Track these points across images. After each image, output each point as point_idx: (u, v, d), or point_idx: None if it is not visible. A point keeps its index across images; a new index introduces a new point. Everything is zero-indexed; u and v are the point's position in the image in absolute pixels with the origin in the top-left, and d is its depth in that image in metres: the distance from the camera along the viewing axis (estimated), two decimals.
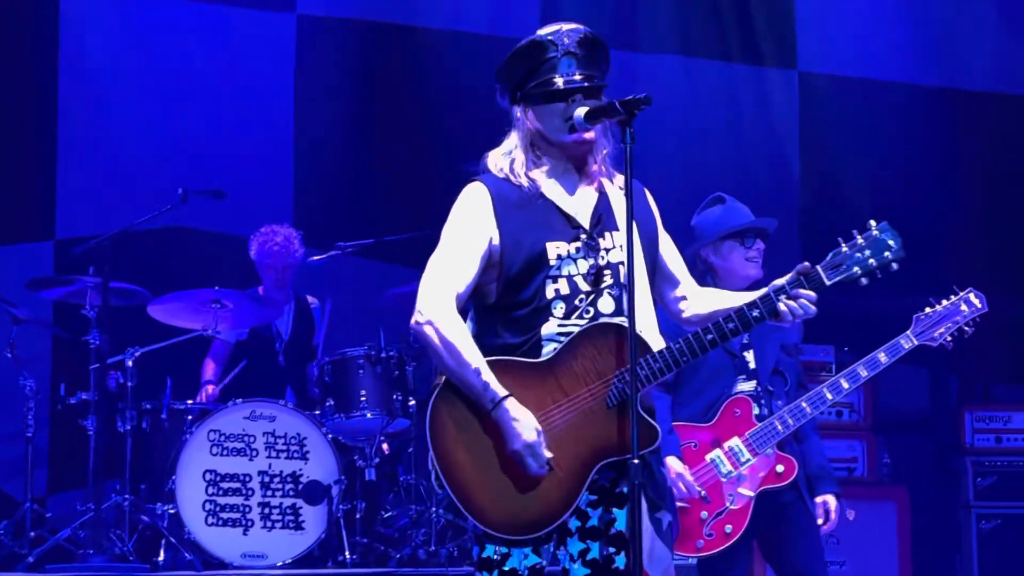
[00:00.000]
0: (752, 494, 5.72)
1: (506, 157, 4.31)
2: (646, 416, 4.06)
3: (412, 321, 4.14)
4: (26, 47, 9.20)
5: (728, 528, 5.69)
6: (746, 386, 5.82)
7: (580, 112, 4.16)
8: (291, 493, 7.46)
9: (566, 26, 4.37)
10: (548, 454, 4.00)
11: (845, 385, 5.75)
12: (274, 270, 8.37)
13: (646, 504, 4.03)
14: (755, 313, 4.15)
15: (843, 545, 7.90)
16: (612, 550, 4.09)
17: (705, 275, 5.88)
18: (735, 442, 5.75)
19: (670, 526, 4.15)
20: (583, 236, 4.21)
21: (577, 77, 4.26)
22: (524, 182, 4.25)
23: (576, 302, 4.14)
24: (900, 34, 10.24)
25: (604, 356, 4.07)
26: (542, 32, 4.36)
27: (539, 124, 4.27)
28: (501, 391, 4.02)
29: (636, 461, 3.87)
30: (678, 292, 4.42)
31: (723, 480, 5.75)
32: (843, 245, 4.19)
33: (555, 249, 4.17)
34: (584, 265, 4.17)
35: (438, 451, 4.05)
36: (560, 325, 4.12)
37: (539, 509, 4.01)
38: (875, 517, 8.11)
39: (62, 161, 9.12)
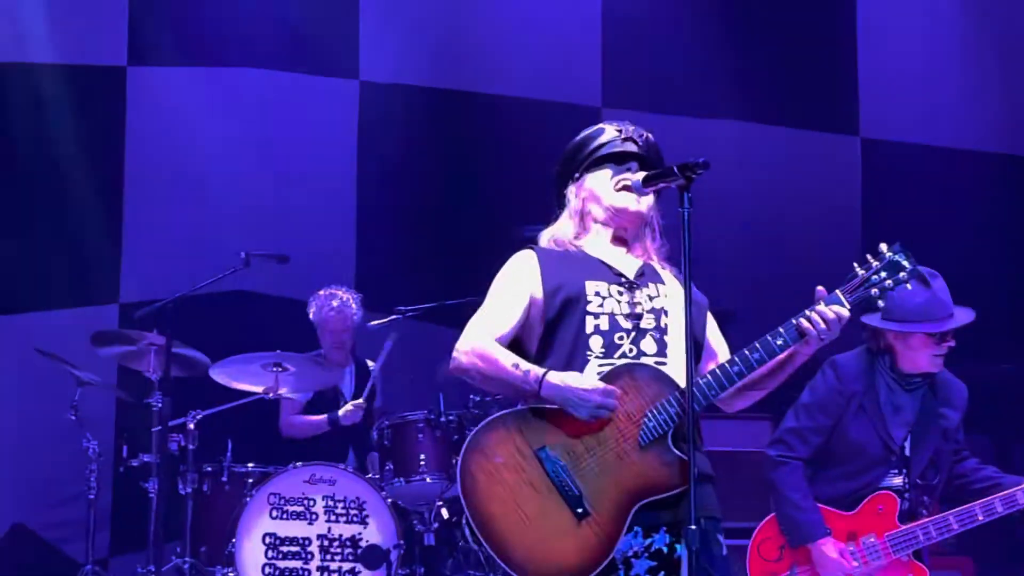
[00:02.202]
0: None
1: (555, 231, 4.42)
2: (681, 455, 4.01)
3: (451, 365, 4.22)
4: (94, 115, 9.33)
5: None
6: (896, 480, 5.72)
7: (638, 176, 4.21)
8: (350, 557, 7.44)
9: (630, 124, 4.50)
10: (610, 388, 4.02)
11: (999, 508, 5.63)
12: (332, 332, 8.41)
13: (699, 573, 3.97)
14: (779, 341, 4.11)
15: None
16: None
17: (878, 349, 5.78)
18: (872, 540, 5.65)
19: None
20: (624, 281, 4.26)
21: (634, 150, 4.38)
22: (570, 247, 4.35)
23: (616, 339, 4.16)
24: (963, 100, 10.20)
25: (632, 396, 4.06)
26: (606, 123, 4.51)
27: (593, 188, 4.35)
28: (540, 369, 4.07)
29: (693, 527, 3.82)
30: (713, 363, 4.34)
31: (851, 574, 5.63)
32: (858, 268, 4.17)
33: (594, 287, 4.22)
34: (625, 306, 4.21)
35: (471, 506, 4.04)
36: (600, 365, 4.13)
37: (579, 556, 3.98)
38: None
39: (128, 224, 9.23)
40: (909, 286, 4.18)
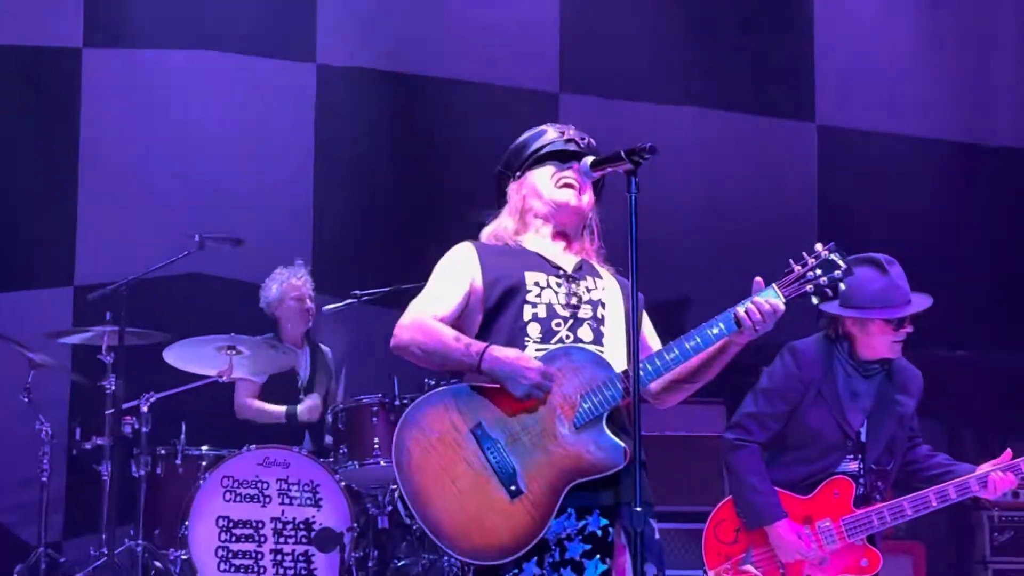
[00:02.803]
0: None
1: (495, 227, 4.48)
2: (616, 439, 4.08)
3: (392, 342, 4.25)
4: (48, 96, 9.29)
5: None
6: (851, 465, 5.78)
7: (586, 160, 4.24)
8: (303, 540, 7.45)
9: (573, 128, 4.54)
10: (549, 370, 4.07)
11: (952, 495, 5.69)
12: (293, 306, 8.41)
13: (631, 557, 4.01)
14: (714, 330, 4.15)
15: None
16: None
17: (836, 336, 5.84)
18: (827, 524, 5.71)
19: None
20: (563, 274, 4.32)
21: (576, 150, 4.43)
22: (510, 243, 4.41)
23: (553, 325, 4.21)
24: (919, 89, 10.26)
25: (569, 378, 4.10)
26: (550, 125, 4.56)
27: (534, 183, 4.43)
28: (482, 344, 4.11)
29: (638, 508, 3.86)
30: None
31: (807, 559, 5.69)
32: (794, 265, 4.23)
33: (533, 277, 4.28)
34: (563, 296, 4.26)
35: (405, 480, 4.07)
36: (538, 350, 4.17)
37: (510, 533, 4.01)
38: (892, 572, 8.02)
39: (83, 206, 9.18)
40: (843, 286, 4.21)
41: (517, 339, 4.19)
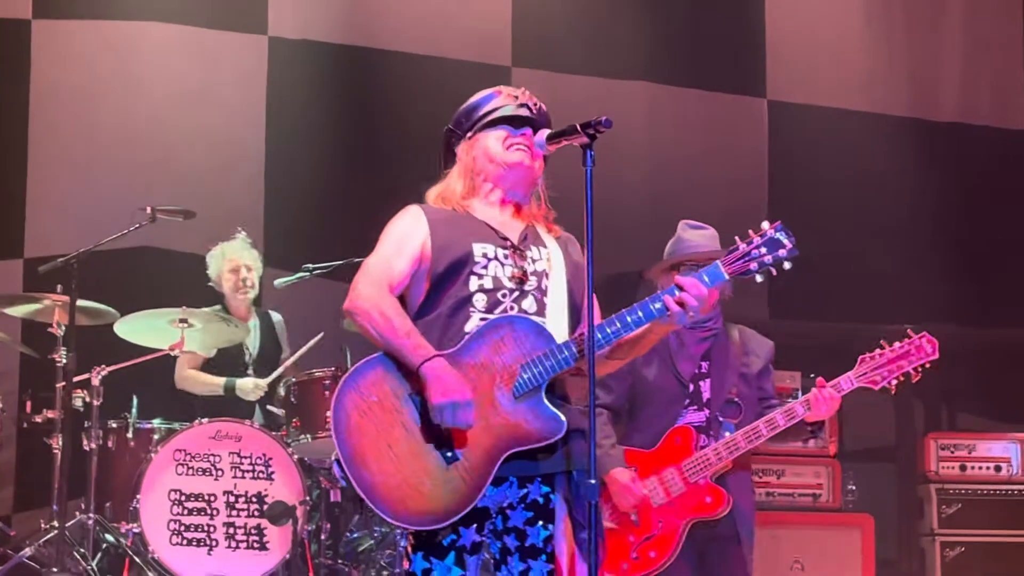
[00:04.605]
0: (680, 522, 5.82)
1: (443, 189, 4.47)
2: (553, 408, 4.10)
3: (344, 306, 4.23)
4: None
5: (652, 553, 5.82)
6: (696, 416, 5.95)
7: (542, 135, 4.25)
8: (256, 513, 7.45)
9: (527, 91, 4.53)
10: (467, 416, 4.04)
11: (780, 422, 5.82)
12: (227, 287, 8.39)
13: (571, 523, 4.12)
14: (656, 304, 4.14)
15: (808, 572, 7.93)
16: (552, 566, 4.13)
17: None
18: (670, 471, 5.87)
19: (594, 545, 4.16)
20: (509, 245, 4.32)
21: (529, 115, 4.43)
22: (456, 207, 4.40)
23: (499, 296, 4.22)
24: (869, 65, 10.32)
25: (510, 348, 4.12)
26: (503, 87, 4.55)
27: (486, 146, 4.41)
28: (428, 352, 4.08)
29: (593, 481, 3.89)
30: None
31: (654, 506, 5.82)
32: (739, 243, 4.24)
33: (481, 248, 4.27)
34: (509, 269, 4.27)
35: (342, 443, 4.06)
36: (483, 319, 4.19)
37: (444, 499, 4.02)
38: (840, 544, 8.13)
39: (32, 179, 9.12)
40: (787, 264, 4.21)
41: (462, 308, 4.20)
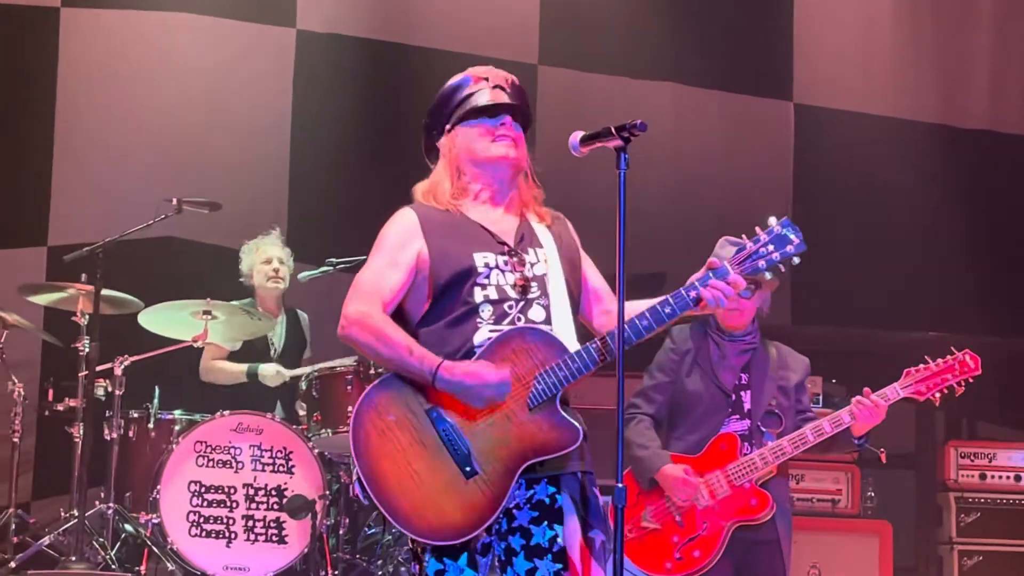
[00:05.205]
0: (725, 524, 5.91)
1: (432, 186, 4.46)
2: (569, 417, 4.12)
3: (338, 330, 4.22)
4: (25, 56, 9.24)
5: (696, 553, 5.93)
6: (739, 425, 6.06)
7: (576, 137, 4.23)
8: (275, 507, 7.46)
9: (495, 69, 4.50)
10: (504, 378, 4.07)
11: (827, 429, 5.93)
12: (259, 282, 8.39)
13: (579, 524, 4.12)
14: (667, 310, 4.16)
15: None
16: (559, 566, 4.12)
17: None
18: (716, 474, 5.96)
19: (603, 545, 4.17)
20: (507, 250, 4.30)
21: (506, 100, 4.40)
22: (449, 207, 4.37)
23: (506, 308, 4.21)
24: (896, 70, 10.29)
25: (523, 359, 4.12)
26: (472, 71, 4.50)
27: (468, 143, 4.40)
28: (435, 359, 4.08)
29: (620, 484, 3.89)
30: (600, 308, 4.47)
31: (699, 508, 5.92)
32: (747, 241, 4.24)
33: (483, 258, 4.26)
34: (511, 277, 4.26)
35: (362, 462, 4.07)
36: (491, 331, 4.18)
37: (464, 513, 4.05)
38: (858, 551, 8.12)
39: (58, 167, 9.14)
40: (796, 259, 4.22)
41: (469, 319, 4.19)
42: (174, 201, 7.83)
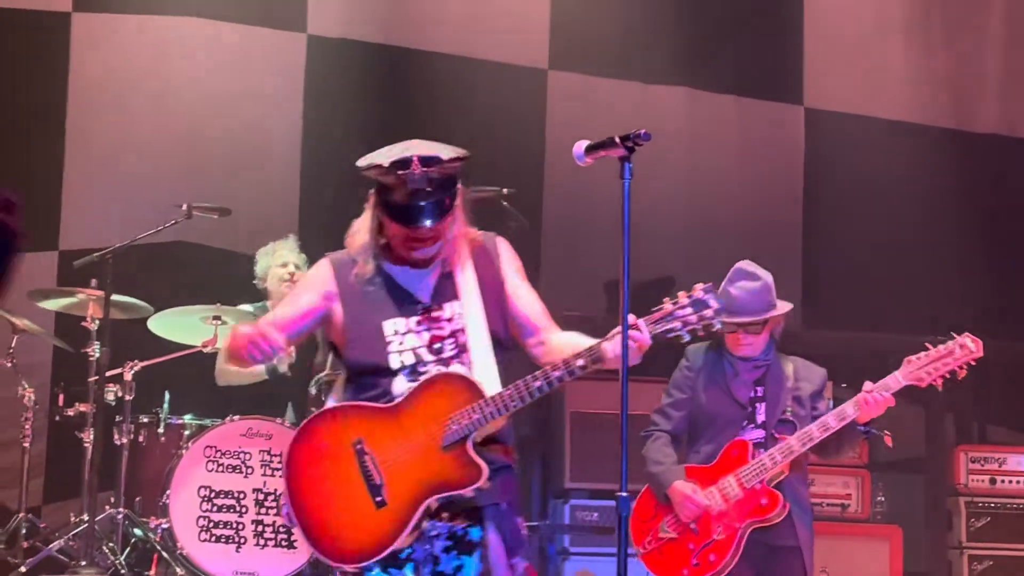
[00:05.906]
0: (738, 526, 5.95)
1: (352, 235, 4.54)
2: (476, 458, 4.27)
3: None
4: (36, 61, 9.25)
5: (712, 557, 5.98)
6: (754, 434, 6.15)
7: (580, 146, 4.25)
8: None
9: (423, 153, 4.40)
10: None
11: (832, 423, 5.98)
12: (273, 286, 8.39)
13: (504, 550, 4.32)
14: (579, 363, 4.25)
15: None
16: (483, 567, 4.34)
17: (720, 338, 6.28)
18: (728, 478, 6.03)
19: (526, 571, 4.41)
20: (420, 311, 4.43)
21: (421, 203, 4.32)
22: (370, 260, 4.46)
23: (420, 369, 4.39)
24: (907, 74, 10.28)
25: (442, 400, 4.30)
26: (400, 156, 4.41)
27: (389, 228, 4.43)
28: None
29: (624, 493, 3.91)
30: (534, 340, 4.54)
31: (713, 513, 5.94)
32: (666, 302, 4.29)
33: (392, 326, 4.41)
34: (426, 336, 4.41)
35: (291, 490, 4.36)
36: (410, 383, 4.37)
37: (371, 539, 4.28)
38: (868, 555, 8.14)
39: (69, 172, 9.16)
40: (716, 325, 4.28)
41: (385, 376, 4.38)
42: (184, 206, 7.85)
